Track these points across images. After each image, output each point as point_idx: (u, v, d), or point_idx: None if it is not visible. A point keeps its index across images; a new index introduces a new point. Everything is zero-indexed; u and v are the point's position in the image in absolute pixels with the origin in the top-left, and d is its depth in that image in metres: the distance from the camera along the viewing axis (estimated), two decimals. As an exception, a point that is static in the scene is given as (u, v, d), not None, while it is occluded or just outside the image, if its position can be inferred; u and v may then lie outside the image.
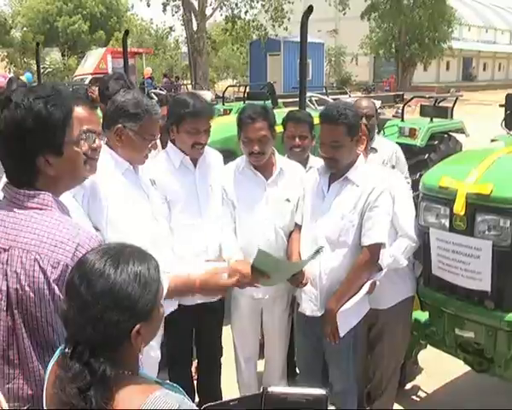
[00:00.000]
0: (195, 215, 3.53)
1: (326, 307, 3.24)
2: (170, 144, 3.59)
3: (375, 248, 3.19)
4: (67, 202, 2.17)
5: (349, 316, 3.21)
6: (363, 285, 3.21)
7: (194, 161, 3.55)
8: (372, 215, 3.18)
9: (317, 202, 3.33)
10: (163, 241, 3.19)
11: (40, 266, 1.79)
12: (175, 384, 1.64)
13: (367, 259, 3.19)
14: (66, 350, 1.54)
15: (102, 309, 1.47)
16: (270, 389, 1.72)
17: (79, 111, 2.26)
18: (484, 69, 61.15)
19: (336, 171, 3.26)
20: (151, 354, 2.97)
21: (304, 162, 3.96)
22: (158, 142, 3.23)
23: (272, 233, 3.58)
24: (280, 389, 1.78)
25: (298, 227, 3.49)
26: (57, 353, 1.65)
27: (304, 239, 3.37)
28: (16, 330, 1.85)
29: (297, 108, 4.96)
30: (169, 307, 2.54)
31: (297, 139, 3.97)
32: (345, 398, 3.51)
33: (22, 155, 1.86)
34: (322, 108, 5.27)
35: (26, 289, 1.81)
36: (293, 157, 3.94)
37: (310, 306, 3.36)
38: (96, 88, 5.50)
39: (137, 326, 1.50)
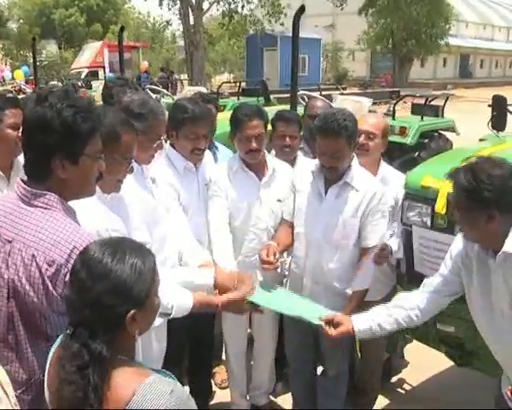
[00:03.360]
0: (200, 216, 3.62)
1: (345, 310, 3.22)
2: (170, 149, 3.63)
3: (372, 249, 3.33)
4: (116, 222, 2.35)
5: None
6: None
7: (195, 163, 3.62)
8: (373, 219, 3.29)
9: (314, 204, 3.37)
10: (173, 237, 3.22)
11: (37, 262, 1.91)
12: (168, 372, 1.74)
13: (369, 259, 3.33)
14: (68, 332, 1.66)
15: (99, 293, 1.60)
16: None
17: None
18: (481, 66, 61.12)
19: (335, 177, 3.31)
20: (153, 346, 2.99)
21: (292, 162, 4.01)
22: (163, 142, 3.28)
23: (264, 233, 3.65)
24: None
25: (286, 222, 3.54)
26: (60, 337, 1.78)
27: (302, 240, 3.41)
28: (14, 318, 1.97)
29: (287, 107, 5.00)
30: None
31: (287, 139, 4.03)
32: (337, 381, 3.63)
33: (41, 151, 1.98)
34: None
35: (23, 281, 1.93)
36: (282, 157, 4.00)
37: None
38: (84, 90, 5.45)
39: (132, 312, 1.62)
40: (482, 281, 2.55)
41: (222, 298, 2.76)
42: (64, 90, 2.03)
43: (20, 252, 1.94)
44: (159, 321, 2.48)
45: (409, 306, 2.83)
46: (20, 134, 3.29)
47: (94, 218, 2.40)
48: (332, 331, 2.87)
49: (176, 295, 2.52)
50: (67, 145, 1.97)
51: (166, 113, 3.58)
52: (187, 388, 3.84)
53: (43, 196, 1.99)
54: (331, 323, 2.88)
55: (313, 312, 2.99)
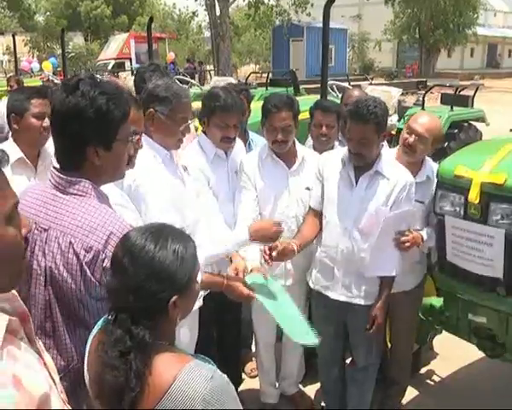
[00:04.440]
0: (229, 203, 3.66)
1: (382, 298, 3.34)
2: (202, 135, 3.68)
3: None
4: (116, 195, 2.33)
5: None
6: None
7: (225, 151, 3.66)
8: (404, 207, 3.29)
9: (345, 193, 3.36)
10: (204, 222, 3.24)
11: (74, 249, 1.93)
12: (207, 358, 1.75)
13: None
14: (109, 318, 1.68)
15: (143, 280, 1.61)
16: None
17: (133, 113, 2.43)
18: (509, 56, 60.04)
19: (362, 164, 3.31)
20: (186, 334, 3.04)
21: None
22: (191, 126, 3.30)
23: (294, 221, 3.66)
24: None
25: (312, 211, 3.54)
26: (100, 322, 1.80)
27: (333, 229, 3.40)
28: (51, 305, 2.00)
29: (319, 97, 5.00)
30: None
31: (324, 128, 4.04)
32: (367, 372, 3.64)
33: (76, 140, 1.99)
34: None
35: (61, 268, 1.95)
36: (319, 146, 4.02)
37: (344, 292, 3.43)
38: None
39: (174, 298, 1.64)
40: None
41: (228, 278, 2.85)
42: (91, 77, 2.03)
43: (57, 239, 1.95)
44: (197, 305, 2.51)
45: None
46: (43, 124, 3.35)
47: None
48: None
49: None
50: (102, 133, 1.99)
51: (197, 102, 3.60)
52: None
53: (78, 184, 2.00)
54: None
55: (300, 332, 2.94)
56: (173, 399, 1.53)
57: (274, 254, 3.12)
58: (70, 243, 1.93)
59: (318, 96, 5.71)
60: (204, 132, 3.68)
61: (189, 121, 3.16)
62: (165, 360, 1.60)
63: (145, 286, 1.61)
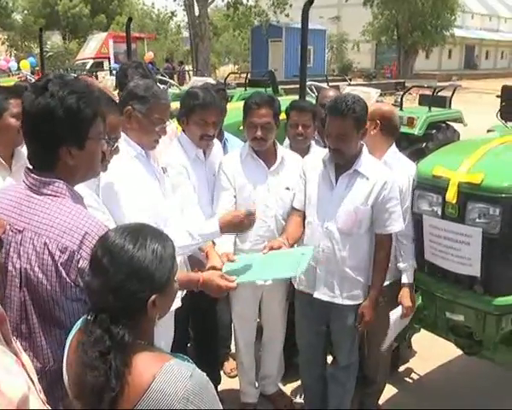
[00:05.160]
0: (208, 206, 3.65)
1: (370, 297, 3.39)
2: (182, 134, 3.70)
3: (391, 236, 3.40)
4: (86, 196, 2.30)
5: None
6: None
7: (204, 152, 3.69)
8: (388, 207, 3.31)
9: (325, 193, 3.39)
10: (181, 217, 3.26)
11: (49, 250, 1.91)
12: (186, 356, 1.75)
13: (389, 244, 3.40)
14: (89, 318, 1.67)
15: (122, 279, 1.61)
16: None
17: (112, 119, 2.44)
18: (486, 57, 60.79)
19: (342, 162, 3.33)
20: (162, 334, 3.01)
21: (305, 151, 4.05)
22: (168, 128, 3.31)
23: (273, 220, 3.67)
24: None
25: (296, 212, 3.56)
26: (79, 322, 1.79)
27: (315, 229, 3.43)
28: (26, 307, 1.97)
29: (298, 97, 5.02)
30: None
31: (300, 128, 4.05)
32: (348, 371, 3.65)
33: (48, 141, 1.97)
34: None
35: (36, 269, 1.93)
36: (296, 145, 4.05)
37: (326, 292, 3.45)
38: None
39: (153, 297, 1.64)
40: None
41: (203, 274, 2.80)
42: (59, 77, 2.01)
43: (32, 241, 1.93)
44: (175, 305, 2.49)
45: None
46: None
47: None
48: None
49: None
50: (74, 132, 1.97)
51: (176, 103, 3.60)
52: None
53: (52, 184, 1.99)
54: None
55: (291, 262, 2.93)
56: (153, 398, 1.53)
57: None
58: (45, 243, 1.92)
59: (297, 97, 5.73)
60: (184, 132, 3.69)
61: (167, 123, 3.17)
62: (144, 360, 1.60)
63: (124, 286, 1.61)
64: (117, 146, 2.59)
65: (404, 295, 3.54)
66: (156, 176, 3.18)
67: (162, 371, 1.56)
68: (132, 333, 1.61)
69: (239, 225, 3.05)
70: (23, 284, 1.96)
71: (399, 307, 3.53)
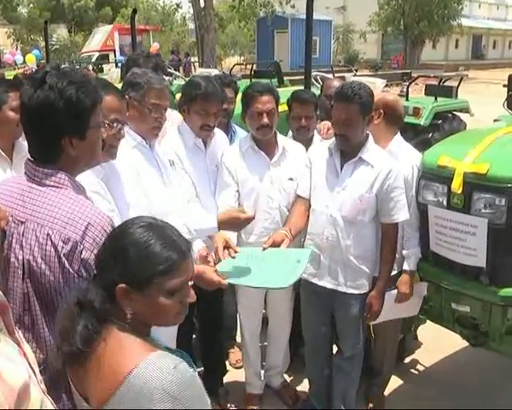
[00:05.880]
0: (207, 196, 3.64)
1: (378, 287, 3.40)
2: (183, 123, 3.69)
3: (397, 225, 3.40)
4: (94, 183, 2.30)
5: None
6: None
7: (205, 142, 3.66)
8: (393, 196, 3.31)
9: (330, 180, 3.40)
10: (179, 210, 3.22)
11: (52, 241, 1.90)
12: (181, 351, 1.73)
13: (395, 234, 3.41)
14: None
15: (106, 252, 1.70)
16: None
17: (109, 99, 2.44)
18: (494, 47, 60.38)
19: (347, 148, 3.34)
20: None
21: (309, 142, 4.04)
22: (167, 114, 3.31)
23: (277, 212, 3.66)
24: None
25: (301, 200, 3.55)
26: None
27: (319, 217, 3.43)
28: (29, 298, 1.97)
29: (302, 88, 4.99)
30: None
31: (303, 119, 4.03)
32: (353, 362, 3.66)
33: (50, 133, 1.96)
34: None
35: (39, 260, 1.92)
36: (298, 137, 4.03)
37: (330, 280, 3.45)
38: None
39: (122, 285, 1.62)
40: None
41: (197, 266, 2.74)
42: (56, 68, 2.00)
43: (35, 232, 1.93)
44: None
45: None
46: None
47: None
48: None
49: None
50: (75, 123, 1.96)
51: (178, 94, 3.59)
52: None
53: (55, 175, 1.98)
54: None
55: (285, 273, 2.83)
56: (133, 385, 1.51)
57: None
58: (48, 234, 1.91)
59: (302, 87, 5.71)
60: (185, 121, 3.68)
61: (169, 111, 3.17)
62: (130, 348, 1.59)
63: (104, 259, 1.68)
64: (120, 129, 2.58)
65: (403, 282, 3.54)
66: (159, 167, 3.17)
67: (146, 360, 1.54)
68: (109, 309, 1.63)
69: (237, 224, 3.06)
70: (26, 275, 1.96)
71: (395, 291, 3.55)
